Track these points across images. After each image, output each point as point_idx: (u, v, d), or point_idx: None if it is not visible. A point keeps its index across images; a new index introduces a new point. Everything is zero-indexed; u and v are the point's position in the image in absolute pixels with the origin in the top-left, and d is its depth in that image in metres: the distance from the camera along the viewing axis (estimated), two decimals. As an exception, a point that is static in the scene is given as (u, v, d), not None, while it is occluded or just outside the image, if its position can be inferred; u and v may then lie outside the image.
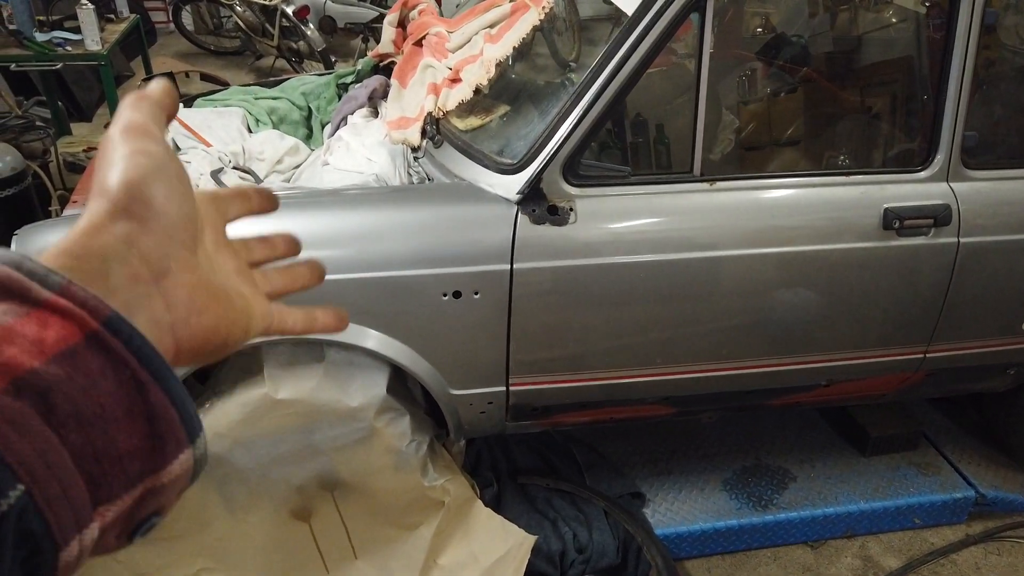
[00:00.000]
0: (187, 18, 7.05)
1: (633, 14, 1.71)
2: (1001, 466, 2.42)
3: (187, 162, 2.13)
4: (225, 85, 3.77)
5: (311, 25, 6.15)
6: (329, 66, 5.85)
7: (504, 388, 1.90)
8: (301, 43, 6.18)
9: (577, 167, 1.75)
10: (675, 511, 2.19)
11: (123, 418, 0.30)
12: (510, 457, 2.32)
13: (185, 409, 0.32)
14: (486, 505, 2.05)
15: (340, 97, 2.60)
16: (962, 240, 1.93)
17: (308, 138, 2.57)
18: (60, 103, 4.31)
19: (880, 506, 2.24)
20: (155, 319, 0.35)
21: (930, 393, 2.29)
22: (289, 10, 6.03)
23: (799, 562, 2.18)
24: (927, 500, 2.26)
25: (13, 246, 1.65)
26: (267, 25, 6.27)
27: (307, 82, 2.73)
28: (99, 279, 0.33)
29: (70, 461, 0.28)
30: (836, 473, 2.34)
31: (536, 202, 1.74)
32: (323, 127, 2.56)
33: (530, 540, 1.98)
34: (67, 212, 1.89)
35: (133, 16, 4.42)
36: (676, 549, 2.15)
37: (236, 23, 6.48)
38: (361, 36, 6.56)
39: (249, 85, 2.77)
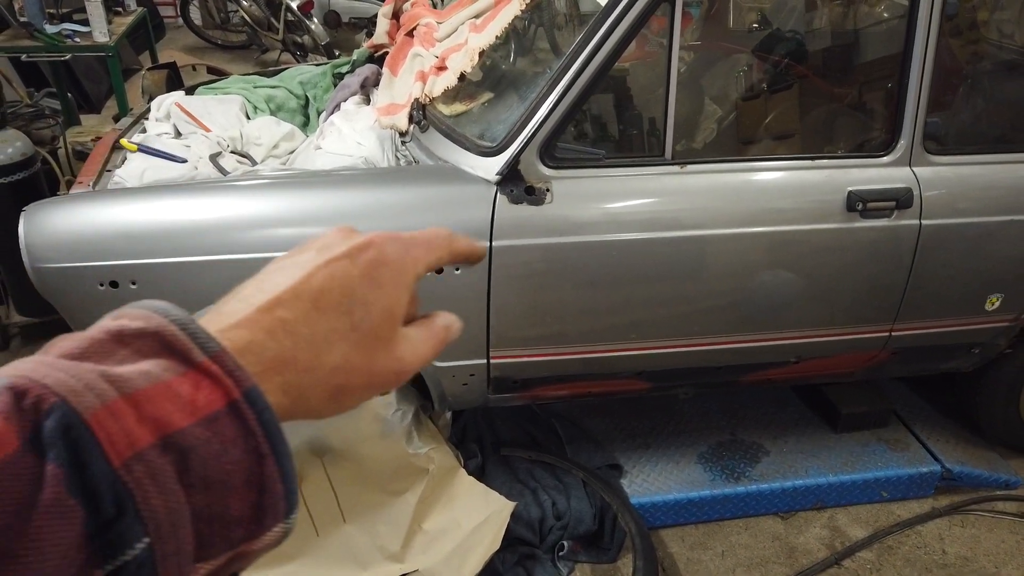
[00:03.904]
0: (195, 13, 7.18)
1: (606, 5, 1.80)
2: (968, 443, 2.50)
3: (187, 146, 2.24)
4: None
5: (315, 19, 6.26)
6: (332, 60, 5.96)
7: (485, 361, 1.99)
8: (305, 37, 6.30)
9: (553, 150, 1.85)
10: (651, 482, 2.29)
11: (240, 487, 0.31)
12: (495, 431, 2.42)
13: (290, 486, 0.33)
14: (470, 475, 2.16)
15: (336, 86, 2.70)
16: (924, 222, 2.02)
17: (305, 125, 2.67)
18: (70, 94, 4.43)
19: (849, 479, 2.33)
20: (278, 402, 0.35)
21: (898, 372, 2.38)
22: (293, 5, 6.14)
23: (769, 532, 2.28)
24: (895, 474, 2.35)
25: (21, 223, 1.76)
26: (272, 19, 6.39)
27: (305, 72, 2.83)
28: (250, 353, 0.34)
29: (189, 520, 0.30)
30: (808, 448, 2.43)
31: (514, 183, 1.84)
32: (319, 114, 2.66)
33: (510, 506, 2.07)
34: (72, 191, 2.00)
35: (140, 9, 4.53)
36: (651, 518, 2.25)
37: (242, 17, 6.60)
38: (365, 31, 6.66)
39: (249, 74, 2.87)
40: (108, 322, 0.33)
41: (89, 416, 0.28)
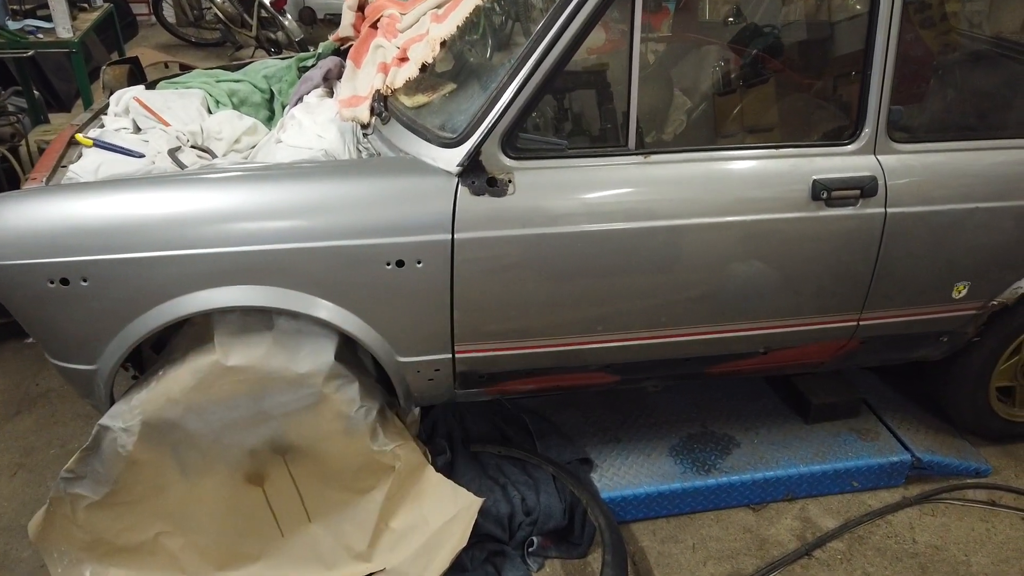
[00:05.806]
0: (168, 11, 7.10)
1: (566, -7, 1.77)
2: (938, 432, 2.51)
3: (145, 141, 2.19)
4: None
5: (288, 16, 6.21)
6: (307, 56, 5.91)
7: (450, 355, 1.97)
8: (279, 33, 6.24)
9: (515, 140, 1.82)
10: (622, 475, 2.27)
11: None
12: (464, 426, 2.40)
13: None
14: (438, 471, 2.13)
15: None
16: (889, 210, 2.01)
17: (270, 119, 2.63)
18: (38, 92, 4.35)
19: (819, 470, 2.32)
20: None
21: (867, 361, 2.37)
22: (267, 1, 6.08)
23: (741, 524, 2.27)
24: (865, 464, 2.35)
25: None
26: (245, 16, 6.33)
27: (269, 65, 2.79)
28: None
29: None
30: (779, 439, 2.42)
31: (475, 174, 1.81)
32: (284, 108, 2.62)
33: (477, 502, 2.05)
34: (25, 187, 1.95)
35: (106, 5, 4.46)
36: (622, 512, 2.23)
37: (215, 14, 6.53)
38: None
39: (212, 68, 2.83)
40: None
41: None
